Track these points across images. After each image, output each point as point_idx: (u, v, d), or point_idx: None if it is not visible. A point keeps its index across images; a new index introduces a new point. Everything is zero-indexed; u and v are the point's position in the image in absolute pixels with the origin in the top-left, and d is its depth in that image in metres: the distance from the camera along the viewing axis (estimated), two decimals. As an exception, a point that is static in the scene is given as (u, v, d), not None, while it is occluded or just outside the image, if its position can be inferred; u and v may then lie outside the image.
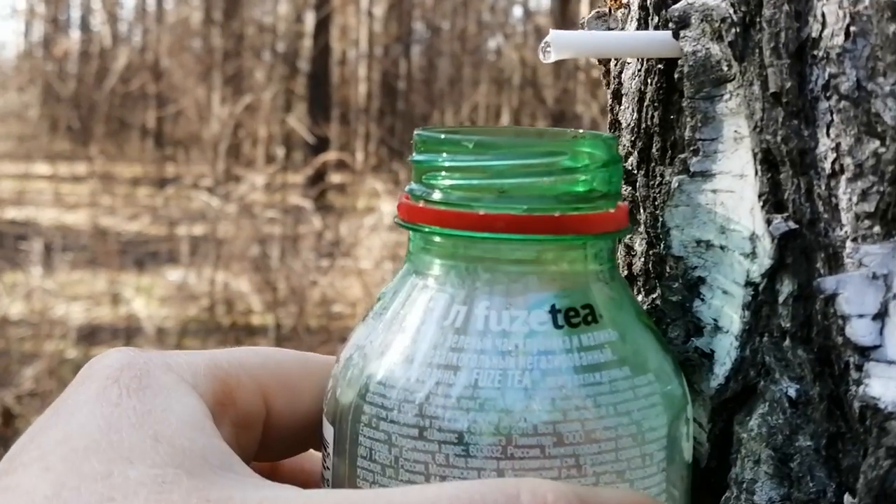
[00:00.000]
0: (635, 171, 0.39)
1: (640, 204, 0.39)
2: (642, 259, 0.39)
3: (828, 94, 0.31)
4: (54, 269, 4.26)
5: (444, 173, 0.33)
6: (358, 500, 0.28)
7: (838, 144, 0.31)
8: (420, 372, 0.31)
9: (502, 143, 0.33)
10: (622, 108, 0.41)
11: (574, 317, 0.32)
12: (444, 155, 0.33)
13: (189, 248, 4.49)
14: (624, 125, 0.40)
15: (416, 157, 0.34)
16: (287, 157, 6.40)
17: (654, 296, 0.38)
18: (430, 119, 7.03)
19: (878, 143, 0.30)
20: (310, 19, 6.91)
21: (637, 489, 0.32)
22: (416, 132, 0.34)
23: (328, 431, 0.34)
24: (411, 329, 0.32)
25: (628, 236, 0.40)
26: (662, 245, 0.38)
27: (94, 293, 4.20)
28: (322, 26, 6.81)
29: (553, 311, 0.32)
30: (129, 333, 3.75)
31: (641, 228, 0.39)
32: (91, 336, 3.73)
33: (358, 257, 4.44)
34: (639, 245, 0.40)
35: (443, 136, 0.33)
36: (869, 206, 0.30)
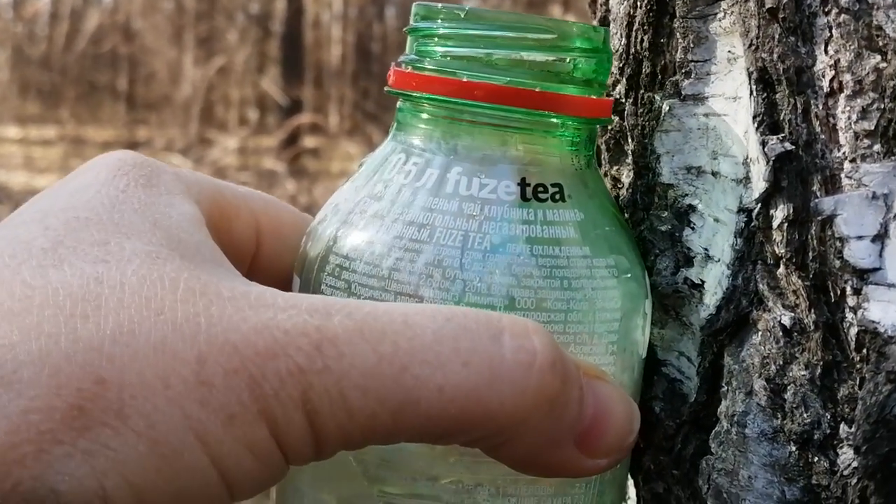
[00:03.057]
0: (623, 100, 0.38)
1: (629, 133, 0.38)
2: (630, 190, 0.38)
3: (826, 9, 0.30)
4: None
5: (435, 40, 0.33)
6: (348, 304, 0.28)
7: (837, 61, 0.30)
8: (385, 227, 0.32)
9: (494, 16, 0.34)
10: (610, 35, 0.39)
11: (542, 192, 0.33)
12: (439, 22, 0.33)
13: (162, 211, 4.44)
14: (612, 52, 0.39)
15: (412, 24, 0.34)
16: (260, 121, 6.34)
17: (641, 227, 0.37)
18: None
19: (878, 57, 0.29)
20: (283, -20, 6.82)
21: None
22: (415, 3, 0.34)
23: (295, 283, 0.35)
24: (384, 188, 0.33)
25: (615, 167, 0.39)
26: (651, 174, 0.36)
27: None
28: (295, -13, 6.72)
29: (522, 184, 0.33)
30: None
31: (629, 159, 0.38)
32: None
33: (333, 221, 4.40)
34: (626, 176, 0.38)
35: (440, 5, 0.34)
36: (869, 124, 0.29)
